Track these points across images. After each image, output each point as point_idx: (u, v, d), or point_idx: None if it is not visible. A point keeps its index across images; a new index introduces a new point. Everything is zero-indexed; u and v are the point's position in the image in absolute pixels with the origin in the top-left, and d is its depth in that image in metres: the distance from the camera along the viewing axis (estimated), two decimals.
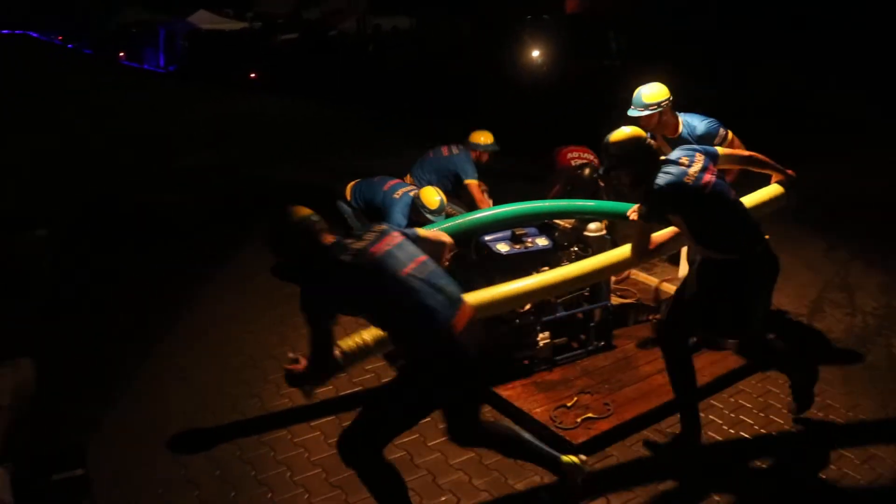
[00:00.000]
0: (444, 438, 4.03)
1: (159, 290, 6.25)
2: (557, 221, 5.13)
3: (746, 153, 4.04)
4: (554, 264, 4.68)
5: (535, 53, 13.10)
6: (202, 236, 7.77)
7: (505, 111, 11.37)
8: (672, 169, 3.52)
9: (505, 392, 4.35)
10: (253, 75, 21.82)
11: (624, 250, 4.10)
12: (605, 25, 13.44)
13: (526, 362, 4.59)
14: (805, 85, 12.88)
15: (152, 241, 7.62)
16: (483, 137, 6.49)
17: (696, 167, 3.53)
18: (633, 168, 3.61)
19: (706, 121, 4.88)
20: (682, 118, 4.90)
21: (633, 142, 3.61)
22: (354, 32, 23.76)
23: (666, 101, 4.75)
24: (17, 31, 61.42)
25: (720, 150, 3.83)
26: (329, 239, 3.06)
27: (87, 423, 4.22)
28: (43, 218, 6.17)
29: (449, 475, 3.75)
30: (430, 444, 4.01)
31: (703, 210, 3.53)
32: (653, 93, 4.75)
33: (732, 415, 4.25)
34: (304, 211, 3.12)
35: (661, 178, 3.50)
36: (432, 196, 5.33)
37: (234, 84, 21.87)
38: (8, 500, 0.84)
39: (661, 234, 3.99)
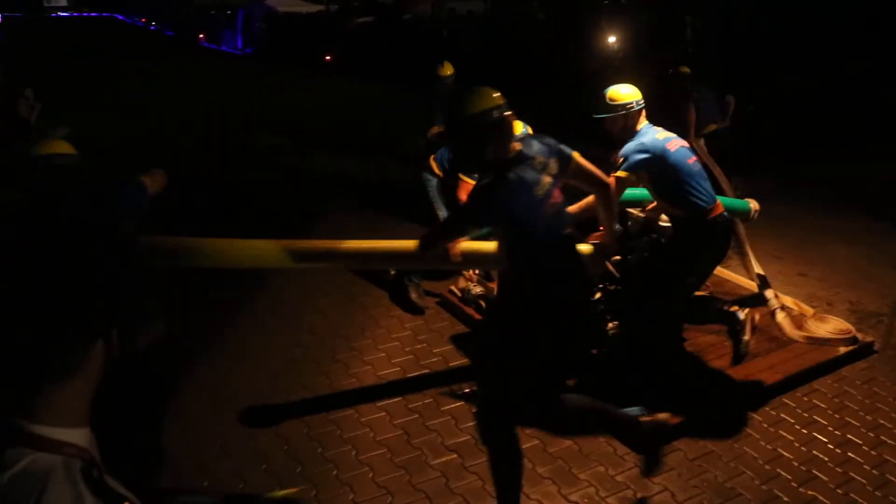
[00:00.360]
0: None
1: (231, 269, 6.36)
2: (630, 210, 5.06)
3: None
4: (624, 253, 4.63)
5: (612, 39, 12.89)
6: (275, 216, 7.93)
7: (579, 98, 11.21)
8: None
9: (570, 381, 4.32)
10: (328, 58, 22.08)
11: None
12: (683, 10, 13.13)
13: (594, 352, 4.56)
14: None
15: (229, 218, 7.79)
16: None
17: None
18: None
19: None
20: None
21: None
22: (429, 16, 23.79)
23: (633, 103, 4.21)
24: (104, 14, 63.80)
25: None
26: (515, 147, 2.99)
27: (160, 393, 4.38)
28: None
29: None
30: None
31: None
32: (621, 94, 4.21)
33: (805, 414, 4.14)
34: (495, 98, 2.97)
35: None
36: None
37: (308, 66, 22.17)
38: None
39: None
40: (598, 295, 4.52)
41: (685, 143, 4.22)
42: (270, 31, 26.94)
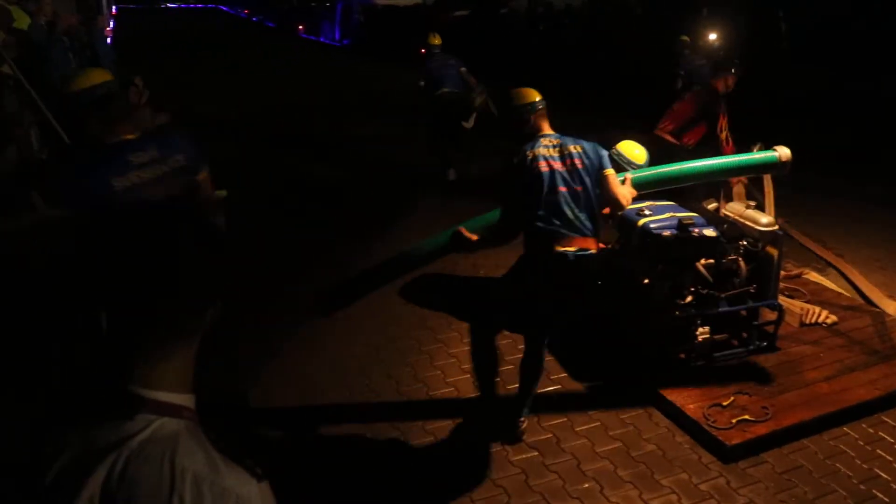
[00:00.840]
0: (593, 424, 4.04)
1: (326, 252, 6.50)
2: (727, 213, 4.95)
3: None
4: (719, 258, 4.53)
5: (713, 37, 12.53)
6: (368, 204, 8.06)
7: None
8: None
9: (658, 384, 4.27)
10: (423, 51, 22.23)
11: None
12: (775, 6, 12.64)
13: (682, 356, 4.49)
14: None
15: (323, 206, 7.97)
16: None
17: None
18: None
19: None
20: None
21: None
22: (525, 10, 23.66)
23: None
24: (209, 6, 66.03)
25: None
26: (545, 128, 3.82)
27: (249, 372, 4.52)
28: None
29: (594, 462, 3.75)
30: (577, 430, 4.02)
31: None
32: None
33: None
34: (531, 95, 3.83)
35: None
36: (632, 149, 4.72)
37: (404, 59, 22.39)
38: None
39: None
40: (689, 298, 4.44)
41: None
42: (368, 23, 27.34)
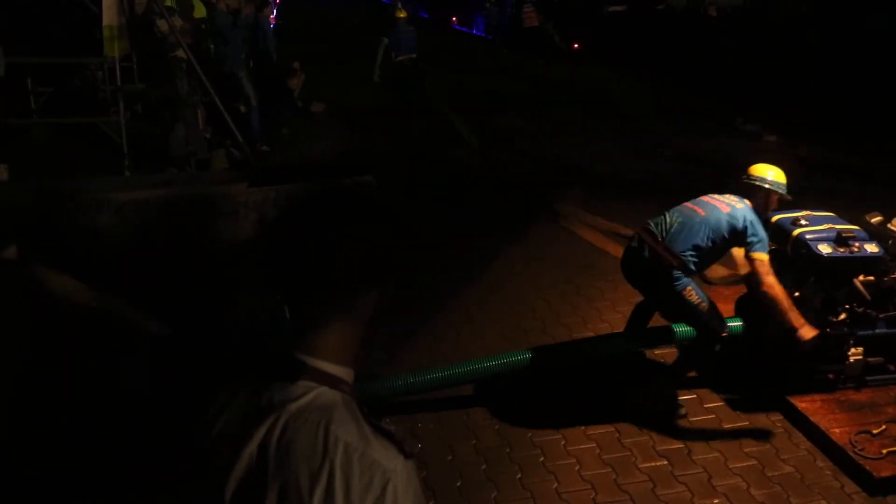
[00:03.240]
0: (727, 439, 3.90)
1: (464, 241, 6.55)
2: (893, 227, 4.61)
3: None
4: (881, 275, 4.24)
5: None
6: (505, 196, 8.06)
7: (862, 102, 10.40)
8: None
9: (801, 404, 4.07)
10: (576, 45, 22.03)
11: None
12: None
13: (831, 377, 4.25)
14: None
15: (459, 195, 8.03)
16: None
17: None
18: None
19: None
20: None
21: None
22: (683, 8, 22.94)
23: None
24: None
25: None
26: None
27: (378, 350, 4.53)
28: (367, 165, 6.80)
29: (726, 478, 3.62)
30: (710, 443, 3.90)
31: None
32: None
33: None
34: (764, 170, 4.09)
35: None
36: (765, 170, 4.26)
37: (556, 52, 22.26)
38: None
39: None
40: (842, 316, 4.18)
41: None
42: (520, 16, 27.31)
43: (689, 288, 3.93)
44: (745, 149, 10.28)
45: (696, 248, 3.97)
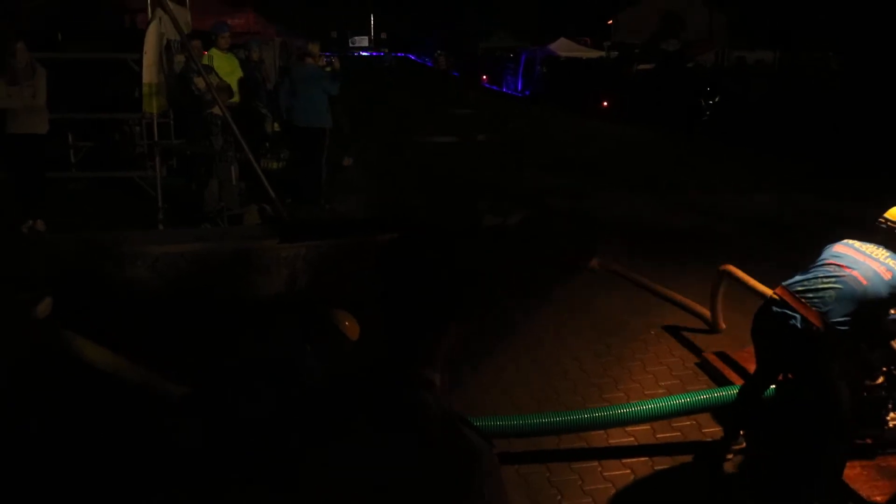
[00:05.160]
0: None
1: (496, 298, 6.55)
2: None
3: None
4: None
5: None
6: (538, 253, 8.05)
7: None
8: None
9: None
10: (605, 103, 22.22)
11: None
12: None
13: (869, 441, 4.13)
14: None
15: (488, 251, 8.05)
16: None
17: None
18: None
19: None
20: None
21: None
22: (712, 64, 23.15)
23: None
24: (398, 54, 71.76)
25: None
26: None
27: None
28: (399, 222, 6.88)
29: None
30: None
31: None
32: None
33: None
34: None
35: None
36: None
37: (585, 110, 22.47)
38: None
39: None
40: (880, 380, 4.10)
41: None
42: (551, 74, 27.69)
43: (837, 365, 3.65)
44: (779, 203, 10.27)
45: (854, 319, 3.60)
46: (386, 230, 5.10)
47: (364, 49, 78.66)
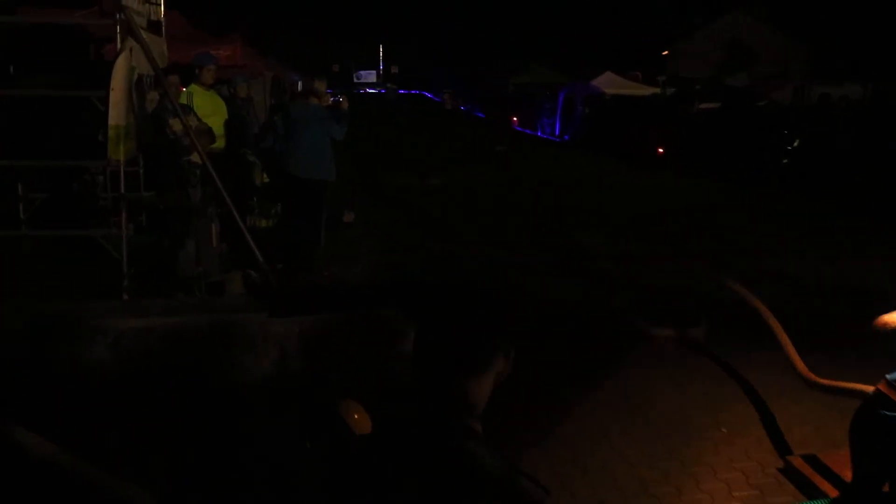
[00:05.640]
0: None
1: (539, 390, 6.50)
2: None
3: None
4: None
5: None
6: (587, 333, 7.99)
7: None
8: None
9: None
10: (659, 150, 22.31)
11: None
12: None
13: None
14: None
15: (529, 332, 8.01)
16: None
17: None
18: None
19: None
20: None
21: None
22: (789, 102, 23.30)
23: None
24: (412, 91, 73.35)
25: None
26: None
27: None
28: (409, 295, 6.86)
29: None
30: None
31: None
32: None
33: None
34: None
35: None
36: None
37: (635, 158, 22.55)
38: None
39: None
40: None
41: None
42: (594, 115, 27.93)
43: None
44: (877, 274, 10.16)
45: None
46: (400, 300, 5.08)
47: (371, 86, 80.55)
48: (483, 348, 1.82)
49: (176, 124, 8.01)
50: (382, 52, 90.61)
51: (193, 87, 9.62)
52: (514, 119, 37.03)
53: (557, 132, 31.13)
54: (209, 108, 9.54)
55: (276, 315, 5.52)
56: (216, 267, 8.36)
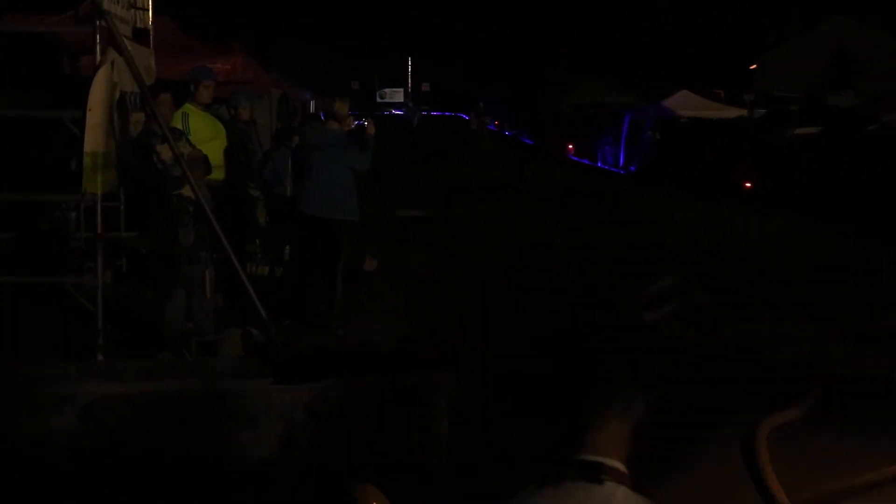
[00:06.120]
0: None
1: None
2: None
3: None
4: None
5: None
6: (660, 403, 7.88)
7: None
8: None
9: None
10: (748, 184, 22.12)
11: None
12: None
13: None
14: None
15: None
16: None
17: None
18: None
19: None
20: None
21: None
22: None
23: None
24: (446, 113, 74.22)
25: None
26: None
27: None
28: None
29: None
30: None
31: None
32: None
33: None
34: None
35: None
36: None
37: (717, 193, 22.28)
38: None
39: None
40: None
41: None
42: (666, 142, 27.82)
43: None
44: None
45: None
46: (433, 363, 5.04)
47: (398, 106, 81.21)
48: (623, 391, 2.00)
49: (165, 151, 7.98)
50: (412, 66, 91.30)
51: (189, 107, 9.45)
52: (570, 146, 37.06)
53: (622, 162, 31.06)
54: (208, 133, 9.48)
55: (280, 382, 5.50)
56: (210, 323, 8.36)
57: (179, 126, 8.91)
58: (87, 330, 7.93)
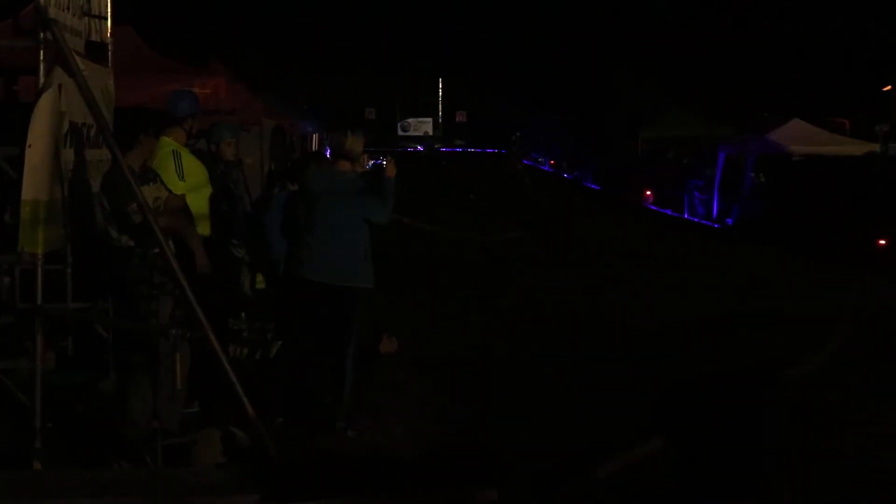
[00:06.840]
0: None
1: None
2: None
3: None
4: None
5: None
6: None
7: None
8: None
9: None
10: (881, 242, 21.93)
11: None
12: None
13: None
14: None
15: None
16: None
17: None
18: None
19: None
20: None
21: None
22: None
23: None
24: (490, 150, 75.69)
25: None
26: None
27: None
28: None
29: None
30: None
31: None
32: None
33: None
34: None
35: None
36: None
37: (845, 255, 22.05)
38: None
39: None
40: None
41: None
42: (774, 186, 27.73)
43: None
44: None
45: None
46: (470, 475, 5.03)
47: (423, 141, 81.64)
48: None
49: (154, 192, 8.02)
50: (443, 89, 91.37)
51: (173, 143, 9.32)
52: (647, 193, 37.07)
53: (716, 213, 30.82)
54: (202, 178, 9.56)
55: (272, 499, 5.50)
56: (180, 422, 8.35)
57: (173, 167, 8.85)
58: (22, 430, 7.92)
